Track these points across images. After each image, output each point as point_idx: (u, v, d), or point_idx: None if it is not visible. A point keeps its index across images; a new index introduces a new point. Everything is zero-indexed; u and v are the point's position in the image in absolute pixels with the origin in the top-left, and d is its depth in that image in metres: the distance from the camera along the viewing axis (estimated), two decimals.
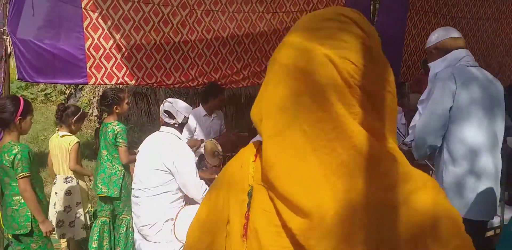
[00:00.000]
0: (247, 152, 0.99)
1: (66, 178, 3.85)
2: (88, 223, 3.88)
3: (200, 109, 4.77)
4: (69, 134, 3.81)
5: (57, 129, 3.92)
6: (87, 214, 3.88)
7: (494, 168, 2.58)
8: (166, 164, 2.90)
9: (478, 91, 2.57)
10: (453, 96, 2.53)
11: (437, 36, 2.81)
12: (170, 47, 4.93)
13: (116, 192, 3.55)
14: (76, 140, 3.81)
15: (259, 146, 0.98)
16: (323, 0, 5.93)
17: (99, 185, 3.61)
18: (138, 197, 3.00)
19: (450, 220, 0.84)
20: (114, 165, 3.62)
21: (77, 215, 3.82)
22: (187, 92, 7.40)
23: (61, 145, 3.81)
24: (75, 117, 3.79)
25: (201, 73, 5.18)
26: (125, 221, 3.59)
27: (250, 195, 0.92)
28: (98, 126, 3.79)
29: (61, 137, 3.83)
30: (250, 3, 5.35)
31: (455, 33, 2.76)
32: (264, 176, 0.89)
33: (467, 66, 2.65)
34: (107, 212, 3.64)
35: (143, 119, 7.50)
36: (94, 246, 3.57)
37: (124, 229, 3.59)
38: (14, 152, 2.73)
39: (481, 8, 7.17)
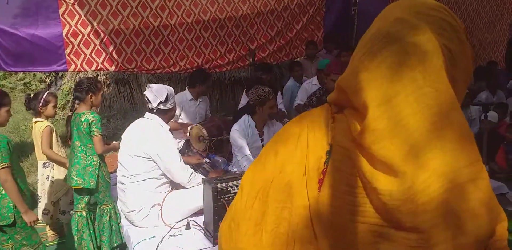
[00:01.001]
0: (324, 116, 1.03)
1: (44, 163, 3.84)
2: (64, 208, 3.89)
3: (186, 93, 4.69)
4: (41, 119, 3.77)
5: (34, 116, 3.88)
6: (64, 198, 3.88)
7: None
8: (147, 151, 2.89)
9: None
10: None
11: None
12: (150, 32, 4.86)
13: (92, 183, 3.42)
14: (46, 124, 3.74)
15: (335, 111, 1.03)
16: None
17: (74, 177, 3.45)
18: (123, 183, 2.99)
19: (496, 198, 0.97)
20: (88, 155, 3.47)
21: (53, 201, 3.83)
22: (170, 77, 7.32)
23: (35, 131, 3.80)
24: (40, 103, 3.72)
25: (182, 57, 5.12)
26: (107, 210, 3.55)
27: (329, 153, 0.97)
28: (70, 114, 3.62)
29: (34, 123, 3.81)
30: None
31: None
32: (357, 136, 0.93)
33: None
34: (83, 205, 3.54)
35: (126, 106, 7.42)
36: (75, 240, 3.54)
37: (107, 218, 3.55)
38: None
39: None
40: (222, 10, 5.26)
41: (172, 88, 3.12)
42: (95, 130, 3.42)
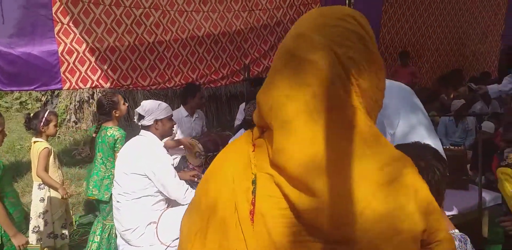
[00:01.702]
0: (244, 143, 1.04)
1: (39, 185, 3.78)
2: (57, 232, 3.79)
3: (181, 110, 4.72)
4: (40, 140, 3.75)
5: (34, 136, 3.85)
6: (57, 222, 3.79)
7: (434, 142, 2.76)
8: (141, 168, 2.87)
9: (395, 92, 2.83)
10: None
11: None
12: (145, 48, 4.87)
13: (106, 196, 3.53)
14: (45, 145, 3.71)
15: (256, 136, 1.03)
16: None
17: (91, 187, 3.60)
18: (118, 201, 2.97)
19: (428, 190, 0.99)
20: (108, 168, 3.62)
21: (44, 223, 3.74)
22: (166, 94, 7.33)
23: (33, 151, 3.77)
24: (42, 123, 3.70)
25: (177, 73, 5.13)
26: (108, 226, 3.56)
27: (254, 182, 0.97)
28: (94, 135, 3.76)
29: (33, 143, 3.78)
30: (225, 2, 5.32)
31: None
32: (273, 161, 0.94)
33: None
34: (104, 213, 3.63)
35: (122, 123, 7.41)
36: (94, 240, 3.57)
37: (106, 235, 3.56)
38: None
39: None
40: (216, 26, 5.30)
41: (157, 104, 3.09)
42: (119, 146, 3.54)
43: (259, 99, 1.00)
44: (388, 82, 3.10)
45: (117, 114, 3.73)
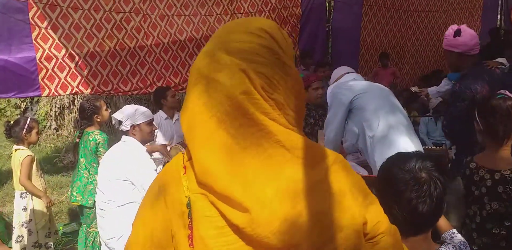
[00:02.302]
0: (175, 166, 1.04)
1: (21, 193, 3.72)
2: (43, 241, 3.74)
3: (161, 113, 4.64)
4: (22, 147, 3.68)
5: (15, 143, 3.78)
6: (41, 231, 3.73)
7: (415, 145, 2.83)
8: (124, 174, 2.84)
9: (371, 88, 3.01)
10: (347, 104, 2.94)
11: (333, 76, 3.39)
12: (126, 53, 4.83)
13: (90, 202, 3.50)
14: (27, 153, 3.65)
15: (186, 157, 1.02)
16: (281, 0, 5.96)
17: (74, 193, 3.58)
18: (102, 209, 2.93)
19: (363, 183, 1.02)
20: (91, 174, 3.60)
21: (29, 233, 3.68)
22: (148, 98, 7.26)
23: (14, 159, 3.71)
24: (24, 130, 3.64)
25: (159, 77, 5.10)
26: (92, 234, 3.52)
27: (189, 205, 0.96)
28: (77, 140, 3.74)
29: (15, 151, 3.72)
30: (206, 5, 5.32)
31: (348, 69, 3.33)
32: (200, 182, 0.95)
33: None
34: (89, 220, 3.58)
35: (104, 129, 7.30)
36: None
37: (91, 242, 3.52)
38: None
39: (431, 1, 7.42)
40: (198, 30, 5.28)
41: (134, 109, 3.04)
42: (101, 150, 3.55)
43: (180, 119, 1.01)
44: (367, 84, 3.15)
45: (98, 120, 3.71)
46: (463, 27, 2.98)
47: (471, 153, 2.71)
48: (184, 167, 1.01)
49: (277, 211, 0.90)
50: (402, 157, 1.44)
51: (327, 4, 6.88)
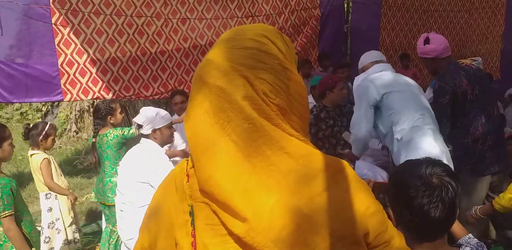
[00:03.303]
0: (178, 174, 1.04)
1: (46, 195, 3.81)
2: (72, 237, 3.86)
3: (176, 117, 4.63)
4: (37, 152, 3.75)
5: (31, 148, 3.85)
6: (69, 228, 3.84)
7: (441, 148, 2.89)
8: (143, 176, 2.85)
9: (403, 83, 3.09)
10: (376, 102, 3.01)
11: (361, 61, 3.39)
12: (147, 58, 4.84)
13: None
14: (44, 156, 3.73)
15: (190, 165, 1.03)
16: (300, 2, 5.92)
17: (109, 195, 3.61)
18: (122, 210, 2.94)
19: (368, 192, 1.00)
20: None
21: (56, 231, 3.79)
22: (166, 102, 7.30)
23: (32, 164, 3.79)
24: (41, 136, 3.70)
25: (180, 82, 5.10)
26: (117, 232, 3.55)
27: (192, 214, 0.97)
28: (94, 140, 3.77)
29: (30, 156, 3.79)
30: (228, 8, 5.31)
31: (375, 58, 3.32)
32: (202, 189, 0.95)
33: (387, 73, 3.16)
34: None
35: None
36: None
37: (114, 241, 3.56)
38: None
39: (452, 0, 7.28)
40: (218, 34, 5.25)
41: (155, 112, 3.03)
42: (128, 131, 3.58)
43: (184, 127, 1.01)
44: (396, 78, 3.26)
45: (112, 121, 3.75)
46: (431, 35, 3.24)
47: (466, 148, 3.07)
48: (187, 175, 1.01)
49: (276, 221, 0.90)
50: (412, 163, 1.44)
51: (346, 5, 6.82)
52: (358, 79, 3.24)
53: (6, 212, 2.56)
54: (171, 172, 1.09)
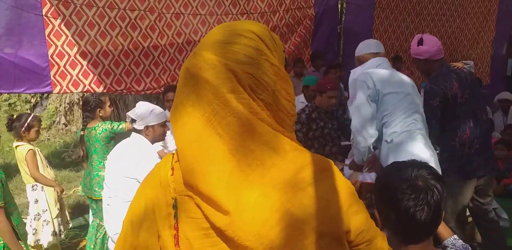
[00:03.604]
0: (163, 168, 1.05)
1: (32, 186, 3.79)
2: (58, 229, 3.84)
3: (167, 113, 4.59)
4: (22, 143, 3.72)
5: (15, 139, 3.81)
6: (56, 220, 3.82)
7: (431, 150, 2.91)
8: (131, 171, 2.83)
9: (397, 82, 3.02)
10: (375, 97, 2.93)
11: (359, 49, 3.25)
12: (139, 52, 4.80)
13: None
14: (28, 147, 3.70)
15: (175, 158, 1.03)
16: (295, 1, 5.93)
17: (97, 189, 3.58)
18: (108, 204, 2.93)
19: (351, 191, 1.02)
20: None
21: (45, 223, 3.77)
22: (157, 97, 7.27)
23: (17, 155, 3.77)
24: (23, 127, 3.66)
25: (173, 78, 5.05)
26: (104, 227, 3.53)
27: (175, 207, 0.98)
28: (82, 133, 3.75)
29: (15, 147, 3.77)
30: (223, 5, 5.28)
31: (375, 49, 3.18)
32: (186, 182, 0.96)
33: (383, 69, 3.07)
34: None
35: None
36: (91, 246, 3.54)
37: (101, 235, 3.55)
38: None
39: (444, 4, 7.36)
40: None
41: (150, 109, 3.00)
42: (117, 125, 3.57)
43: (170, 119, 1.02)
44: (391, 75, 3.17)
45: (101, 114, 3.72)
46: (425, 36, 3.23)
47: (453, 151, 3.10)
48: (172, 168, 1.02)
49: (258, 215, 0.91)
50: (398, 165, 1.46)
51: (339, 6, 6.84)
52: (354, 73, 3.15)
53: None
54: (156, 165, 1.10)
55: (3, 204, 2.58)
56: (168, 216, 0.99)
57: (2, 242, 2.63)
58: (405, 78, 3.14)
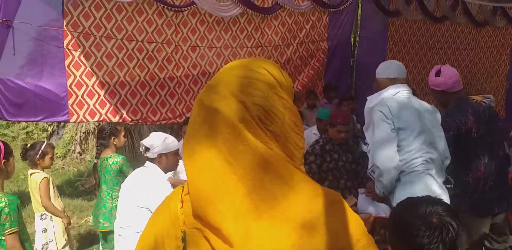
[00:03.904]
0: (173, 200, 1.06)
1: (41, 215, 3.78)
2: None
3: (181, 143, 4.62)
4: (37, 171, 3.74)
5: (30, 167, 3.84)
6: None
7: (440, 189, 2.77)
8: (143, 201, 2.83)
9: (413, 116, 2.81)
10: (393, 125, 2.76)
11: (378, 71, 3.05)
12: (155, 83, 4.89)
13: None
14: (44, 176, 3.72)
15: (185, 191, 1.04)
16: (309, 34, 6.03)
17: (101, 221, 3.59)
18: (120, 235, 2.92)
19: (360, 225, 1.02)
20: (114, 198, 3.60)
21: None
22: (171, 126, 7.33)
23: (31, 183, 3.77)
24: (38, 155, 3.70)
25: (188, 109, 5.12)
26: None
27: (184, 240, 0.99)
28: (95, 161, 3.78)
29: (30, 175, 3.78)
30: (238, 38, 5.41)
31: (394, 73, 2.95)
32: (195, 213, 0.97)
33: (402, 97, 2.87)
34: (111, 246, 3.56)
35: (127, 155, 7.34)
36: None
37: None
38: (1, 205, 2.55)
39: (457, 38, 7.40)
40: (227, 62, 5.29)
41: (163, 138, 3.04)
42: (126, 169, 3.57)
43: (183, 149, 1.04)
44: (409, 108, 2.81)
45: (115, 142, 3.73)
46: (444, 67, 3.21)
47: (466, 186, 2.98)
48: (182, 201, 1.03)
49: (266, 245, 0.91)
50: (413, 201, 1.44)
51: (352, 40, 6.94)
52: (371, 101, 2.97)
53: (13, 229, 2.54)
54: (166, 198, 1.11)
55: (18, 230, 2.57)
56: (177, 249, 1.00)
57: None
58: (424, 107, 2.91)
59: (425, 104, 2.95)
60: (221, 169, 0.95)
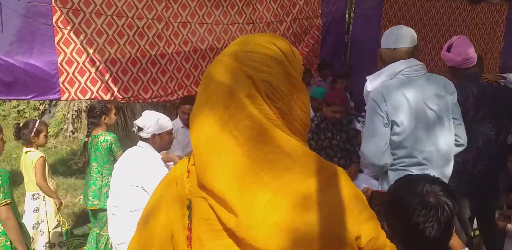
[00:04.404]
0: (179, 170, 1.09)
1: (33, 195, 3.78)
2: (57, 241, 3.82)
3: (177, 121, 4.61)
4: (33, 149, 3.73)
5: (24, 146, 3.83)
6: (54, 231, 3.80)
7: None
8: (137, 180, 2.85)
9: (410, 108, 2.46)
10: (387, 119, 2.45)
11: (381, 41, 2.63)
12: (147, 60, 4.82)
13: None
14: (40, 155, 3.72)
15: (191, 162, 1.06)
16: (302, 10, 5.94)
17: (90, 198, 3.60)
18: (113, 214, 2.95)
19: (361, 199, 1.04)
20: (104, 176, 3.62)
21: (40, 233, 3.75)
22: (164, 105, 7.30)
23: (26, 161, 3.76)
24: (32, 133, 3.69)
25: (180, 86, 5.08)
26: (105, 236, 3.55)
27: (189, 208, 1.01)
28: (86, 140, 3.77)
29: (25, 153, 3.77)
30: (229, 14, 5.31)
31: (394, 43, 2.53)
32: (201, 184, 0.99)
33: (407, 77, 2.48)
34: (102, 224, 3.58)
35: (119, 134, 7.34)
36: None
37: (103, 245, 3.54)
38: None
39: (452, 15, 7.34)
40: (219, 39, 5.26)
41: (158, 117, 3.04)
42: (115, 149, 3.60)
43: (190, 119, 1.06)
44: (413, 89, 2.50)
45: (106, 121, 3.74)
46: (457, 41, 3.07)
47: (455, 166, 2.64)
48: (188, 171, 1.06)
49: (269, 217, 0.93)
50: (410, 180, 1.44)
51: (347, 16, 6.86)
52: (369, 83, 2.61)
53: (7, 200, 2.56)
54: (173, 168, 1.14)
55: (10, 201, 2.59)
56: (183, 216, 1.02)
57: (8, 243, 2.64)
58: (430, 91, 2.49)
59: (433, 86, 2.49)
60: (226, 141, 0.97)
